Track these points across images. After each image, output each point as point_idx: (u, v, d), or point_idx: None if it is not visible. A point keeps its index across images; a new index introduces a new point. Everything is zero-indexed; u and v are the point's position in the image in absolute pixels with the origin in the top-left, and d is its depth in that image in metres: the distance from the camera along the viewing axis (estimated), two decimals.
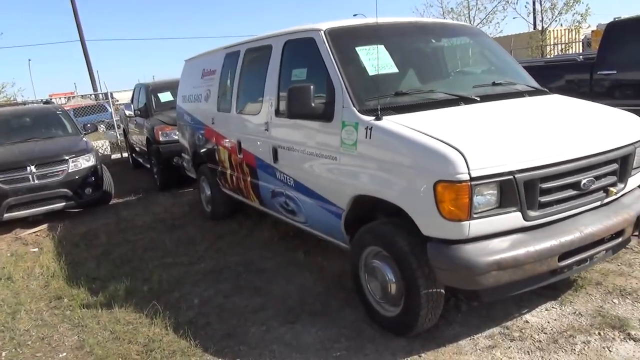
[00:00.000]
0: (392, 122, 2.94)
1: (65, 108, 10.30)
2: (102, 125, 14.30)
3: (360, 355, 2.94)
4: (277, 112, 4.03)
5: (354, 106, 3.16)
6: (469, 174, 2.48)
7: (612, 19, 7.12)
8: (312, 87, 3.27)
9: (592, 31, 20.40)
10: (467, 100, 3.24)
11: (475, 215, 2.54)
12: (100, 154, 8.82)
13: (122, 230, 6.14)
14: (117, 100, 18.48)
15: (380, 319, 3.16)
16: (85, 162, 7.05)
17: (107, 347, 3.33)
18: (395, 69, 3.43)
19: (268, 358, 3.01)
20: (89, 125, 8.48)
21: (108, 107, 15.08)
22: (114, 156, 12.79)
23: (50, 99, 18.53)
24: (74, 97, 26.76)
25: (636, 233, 3.08)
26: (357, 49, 3.48)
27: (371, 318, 3.25)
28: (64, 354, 3.36)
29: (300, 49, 3.89)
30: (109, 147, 12.90)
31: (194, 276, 4.39)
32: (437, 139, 2.65)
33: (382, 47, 3.44)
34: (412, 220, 2.78)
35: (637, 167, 3.19)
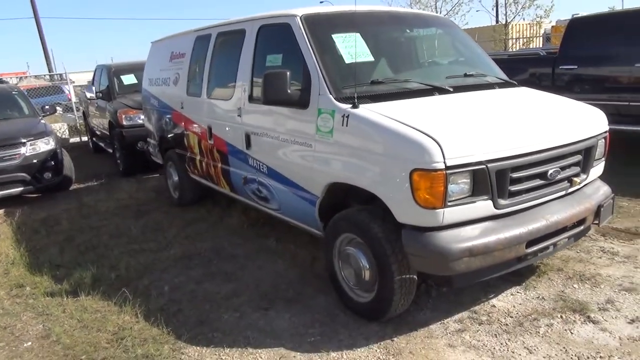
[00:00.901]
0: (369, 111, 2.96)
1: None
2: (59, 108, 13.71)
3: (334, 340, 2.98)
4: (251, 98, 3.98)
5: (331, 94, 3.16)
6: (445, 162, 2.53)
7: (570, 16, 7.40)
8: (288, 73, 3.24)
9: (552, 26, 21.11)
10: (441, 91, 3.29)
11: (449, 203, 2.60)
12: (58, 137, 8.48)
13: (85, 216, 5.95)
14: (74, 82, 17.74)
15: (354, 305, 3.21)
16: (44, 146, 6.78)
17: (75, 335, 3.24)
18: (371, 58, 3.45)
19: (242, 344, 3.01)
20: (47, 106, 8.14)
21: (64, 89, 14.46)
22: (72, 140, 12.33)
23: (1, 78, 17.58)
24: (26, 77, 25.46)
25: (596, 221, 3.24)
26: (333, 36, 3.46)
27: (344, 304, 3.29)
28: (29, 343, 3.25)
29: (275, 35, 3.85)
30: (67, 131, 12.41)
31: (163, 263, 4.32)
32: (414, 128, 2.69)
33: (358, 35, 3.45)
34: (387, 207, 2.82)
35: (598, 159, 3.35)
